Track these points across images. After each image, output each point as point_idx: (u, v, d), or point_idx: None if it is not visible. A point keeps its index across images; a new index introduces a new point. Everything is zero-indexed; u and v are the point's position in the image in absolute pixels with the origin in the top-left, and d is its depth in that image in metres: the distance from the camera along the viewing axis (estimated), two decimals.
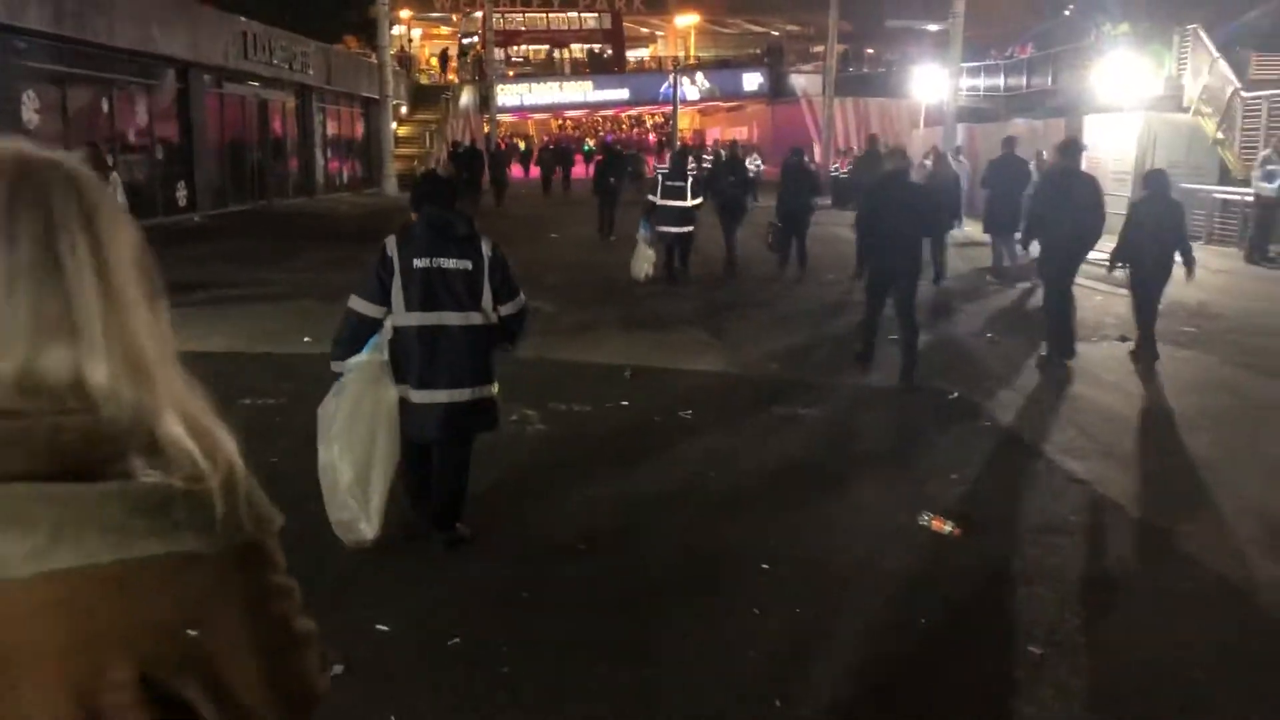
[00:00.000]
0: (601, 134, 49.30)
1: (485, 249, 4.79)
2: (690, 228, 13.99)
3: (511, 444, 6.64)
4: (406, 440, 4.79)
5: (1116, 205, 12.49)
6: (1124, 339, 10.32)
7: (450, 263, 4.71)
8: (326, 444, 4.62)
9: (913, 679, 3.92)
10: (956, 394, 8.22)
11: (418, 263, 4.69)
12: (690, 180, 13.94)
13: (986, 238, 15.50)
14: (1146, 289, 9.40)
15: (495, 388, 4.94)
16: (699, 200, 14.01)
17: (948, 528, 5.30)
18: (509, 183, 29.86)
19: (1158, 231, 9.21)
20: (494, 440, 6.38)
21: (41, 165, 1.00)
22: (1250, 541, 5.22)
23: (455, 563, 4.83)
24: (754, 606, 4.43)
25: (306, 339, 9.55)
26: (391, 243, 4.75)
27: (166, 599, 0.97)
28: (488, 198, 26.59)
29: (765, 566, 4.84)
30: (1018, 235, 12.60)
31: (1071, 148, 10.08)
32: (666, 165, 16.35)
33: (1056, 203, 9.51)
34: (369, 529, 4.70)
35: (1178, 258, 9.25)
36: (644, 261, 13.69)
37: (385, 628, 4.14)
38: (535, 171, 36.54)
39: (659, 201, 13.85)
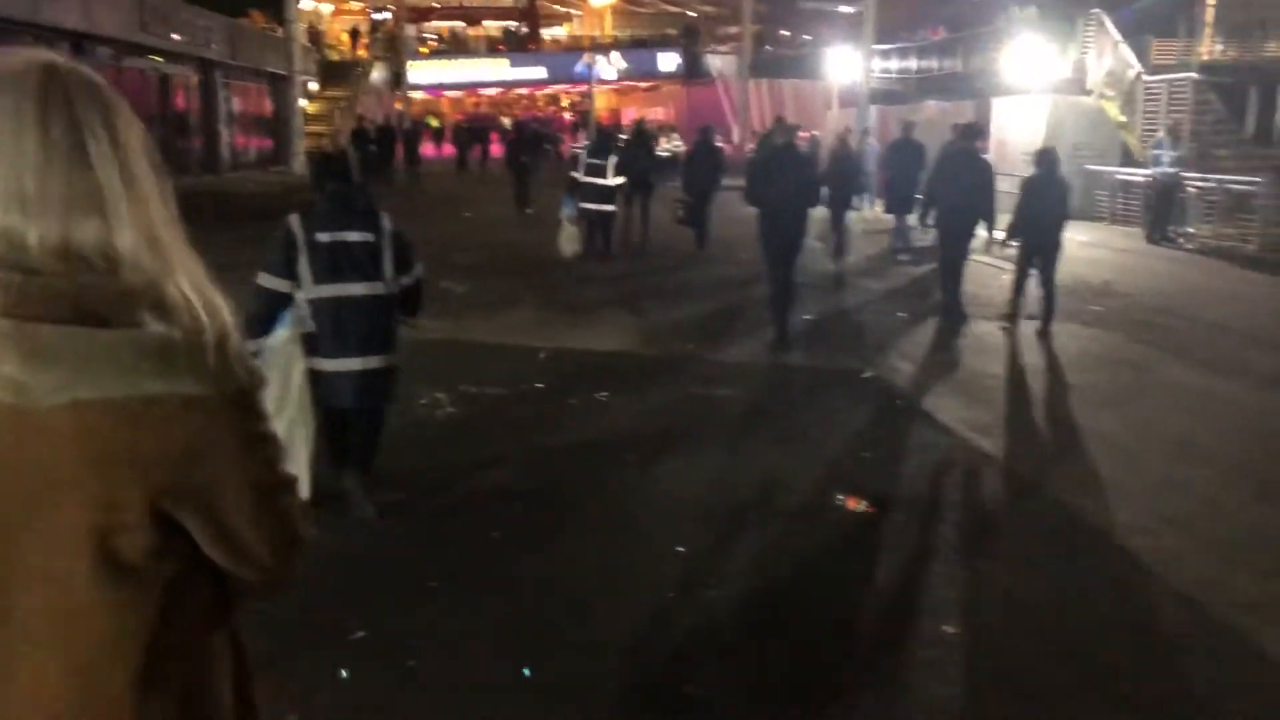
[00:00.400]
0: (517, 113, 48.68)
1: (385, 222, 4.99)
2: (612, 206, 14.21)
3: (420, 428, 6.47)
4: (324, 409, 4.88)
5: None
6: (1032, 318, 10.49)
7: (354, 235, 4.89)
8: None
9: (825, 661, 3.87)
10: (870, 373, 8.25)
11: (322, 237, 4.84)
12: (611, 159, 14.03)
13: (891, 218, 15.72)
14: (1035, 262, 9.90)
15: (398, 356, 5.11)
16: (621, 179, 14.12)
17: (861, 506, 5.29)
18: (422, 160, 29.33)
19: (1047, 207, 9.76)
20: (402, 423, 6.26)
21: (66, 69, 1.18)
22: (1162, 520, 5.29)
23: (360, 549, 4.66)
24: (668, 591, 4.35)
25: None
26: (295, 220, 4.89)
27: (171, 433, 1.15)
28: (402, 176, 26.10)
29: (680, 549, 4.77)
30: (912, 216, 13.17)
31: (969, 131, 10.43)
32: (585, 144, 16.29)
33: (950, 182, 10.07)
34: (300, 492, 4.55)
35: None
36: (569, 240, 13.76)
37: (286, 618, 3.97)
38: (450, 150, 35.96)
39: (582, 179, 13.98)
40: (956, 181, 10.10)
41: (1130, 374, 8.47)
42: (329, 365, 4.84)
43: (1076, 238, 17.04)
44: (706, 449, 6.26)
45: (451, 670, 3.71)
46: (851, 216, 15.27)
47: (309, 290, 4.81)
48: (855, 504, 5.31)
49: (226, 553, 1.31)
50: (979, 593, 4.44)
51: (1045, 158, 10.23)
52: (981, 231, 10.43)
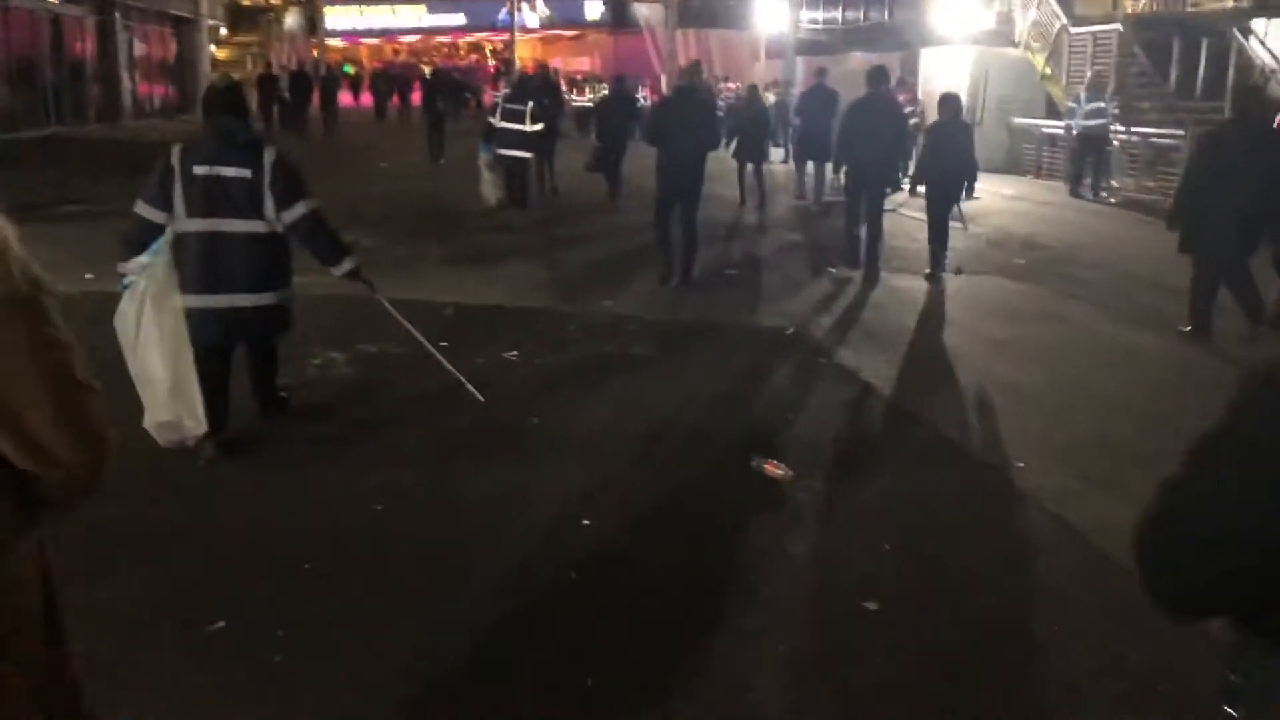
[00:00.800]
0: (437, 61, 47.43)
1: (267, 156, 4.88)
2: (529, 153, 14.01)
3: (311, 390, 6.01)
4: (199, 348, 4.72)
5: None
6: (959, 271, 10.28)
7: (230, 170, 4.81)
8: (132, 352, 4.57)
9: (740, 641, 3.54)
10: (792, 329, 7.94)
11: (198, 170, 4.79)
12: (529, 104, 13.72)
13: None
14: (939, 208, 9.87)
15: (284, 294, 5.06)
16: (539, 125, 13.85)
17: (780, 472, 4.97)
18: (339, 109, 28.30)
19: (950, 153, 9.76)
20: (293, 384, 5.80)
21: None
22: (1089, 480, 5.04)
23: (228, 522, 4.22)
24: (570, 570, 3.99)
25: (89, 275, 8.59)
26: (176, 150, 4.85)
27: None
28: (317, 125, 25.13)
29: (586, 523, 4.40)
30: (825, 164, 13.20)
31: (876, 75, 10.32)
32: (504, 92, 15.90)
33: (860, 129, 9.99)
34: (195, 426, 4.66)
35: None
36: (490, 186, 13.73)
37: (137, 606, 3.53)
38: (369, 99, 34.82)
39: (498, 124, 13.77)
40: (864, 130, 9.98)
41: (1054, 327, 8.26)
42: (194, 302, 4.72)
43: (1001, 190, 17.05)
44: (621, 412, 5.89)
45: (321, 668, 3.30)
46: (766, 168, 15.35)
47: (180, 223, 4.77)
48: (774, 469, 4.99)
49: (25, 452, 1.37)
50: (900, 565, 4.14)
51: (948, 104, 10.19)
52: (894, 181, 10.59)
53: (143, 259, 4.65)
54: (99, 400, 1.49)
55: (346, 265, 5.22)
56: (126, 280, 4.66)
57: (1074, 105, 16.71)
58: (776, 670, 3.38)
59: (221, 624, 3.50)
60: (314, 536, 4.19)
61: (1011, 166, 20.07)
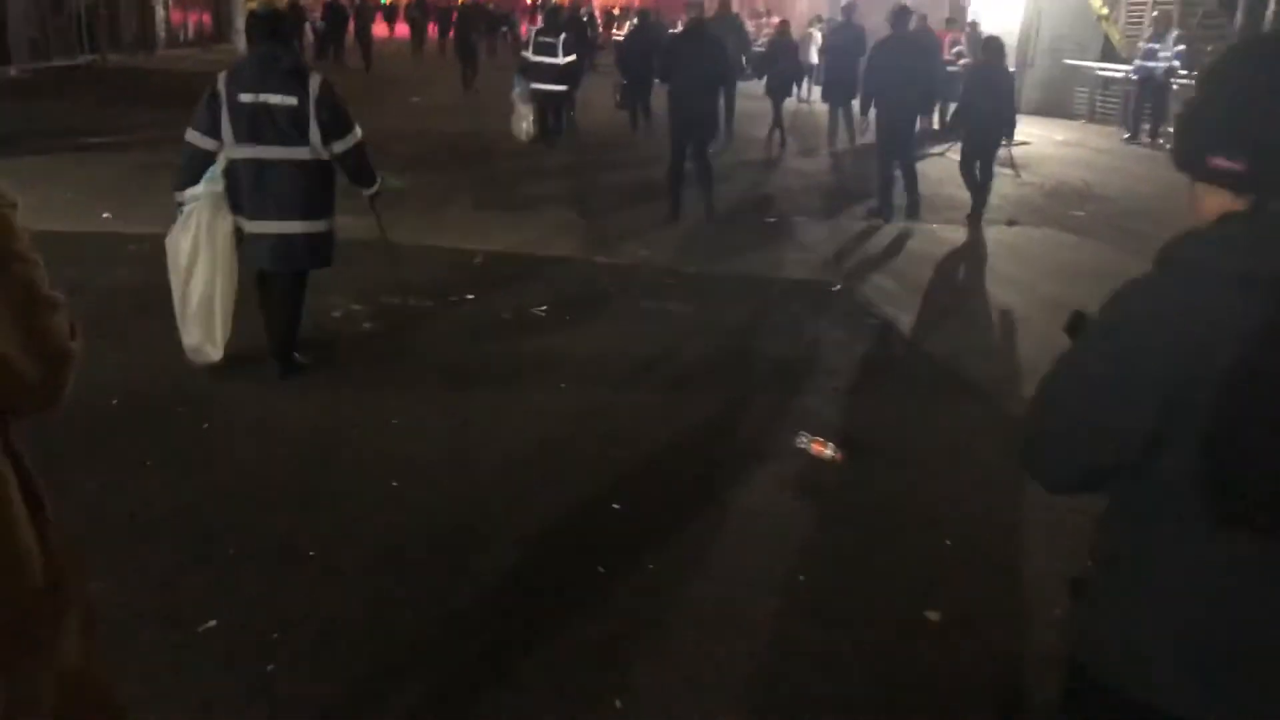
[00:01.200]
0: None
1: (312, 85, 4.85)
2: (564, 86, 13.73)
3: (329, 347, 5.67)
4: (247, 268, 5.05)
5: None
6: (1012, 223, 9.80)
7: (275, 98, 4.81)
8: (176, 274, 4.94)
9: (790, 653, 3.19)
10: (839, 286, 7.50)
11: (244, 97, 4.81)
12: (563, 37, 13.30)
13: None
14: (978, 153, 9.64)
15: (330, 223, 5.09)
16: (572, 57, 13.51)
17: (829, 452, 4.59)
18: (375, 40, 27.65)
19: (989, 99, 9.43)
20: (310, 341, 5.48)
21: None
22: None
23: (221, 499, 3.91)
24: (599, 565, 3.64)
25: (105, 215, 8.29)
26: (222, 77, 4.87)
27: None
28: (353, 57, 24.56)
29: (616, 507, 4.05)
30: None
31: (898, 17, 10.02)
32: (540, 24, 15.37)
33: (886, 70, 9.75)
34: (215, 352, 5.08)
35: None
36: (522, 120, 13.55)
37: (117, 608, 3.23)
38: (404, 30, 34.07)
39: (531, 58, 13.46)
40: (891, 71, 9.64)
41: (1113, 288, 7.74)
42: (248, 226, 4.93)
43: (1052, 136, 16.39)
44: (656, 378, 5.52)
45: (315, 676, 2.99)
46: (788, 105, 15.19)
47: (230, 150, 4.85)
48: (821, 449, 4.61)
49: None
50: (969, 569, 3.76)
51: (991, 48, 9.90)
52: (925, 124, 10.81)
53: (197, 189, 4.85)
54: (63, 314, 1.51)
55: (376, 186, 5.29)
56: (184, 208, 4.89)
57: (1154, 45, 15.89)
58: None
59: (213, 622, 3.19)
60: (312, 519, 3.87)
61: (1062, 110, 19.29)
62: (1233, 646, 1.41)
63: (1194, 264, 1.41)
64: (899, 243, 9.07)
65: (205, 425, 4.61)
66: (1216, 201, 1.44)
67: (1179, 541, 1.44)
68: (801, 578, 3.61)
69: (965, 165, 9.76)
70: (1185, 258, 1.43)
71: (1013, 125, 9.75)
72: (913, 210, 9.81)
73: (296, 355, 5.26)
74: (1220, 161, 1.41)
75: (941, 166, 12.07)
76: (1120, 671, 1.51)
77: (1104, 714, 1.55)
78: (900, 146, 9.87)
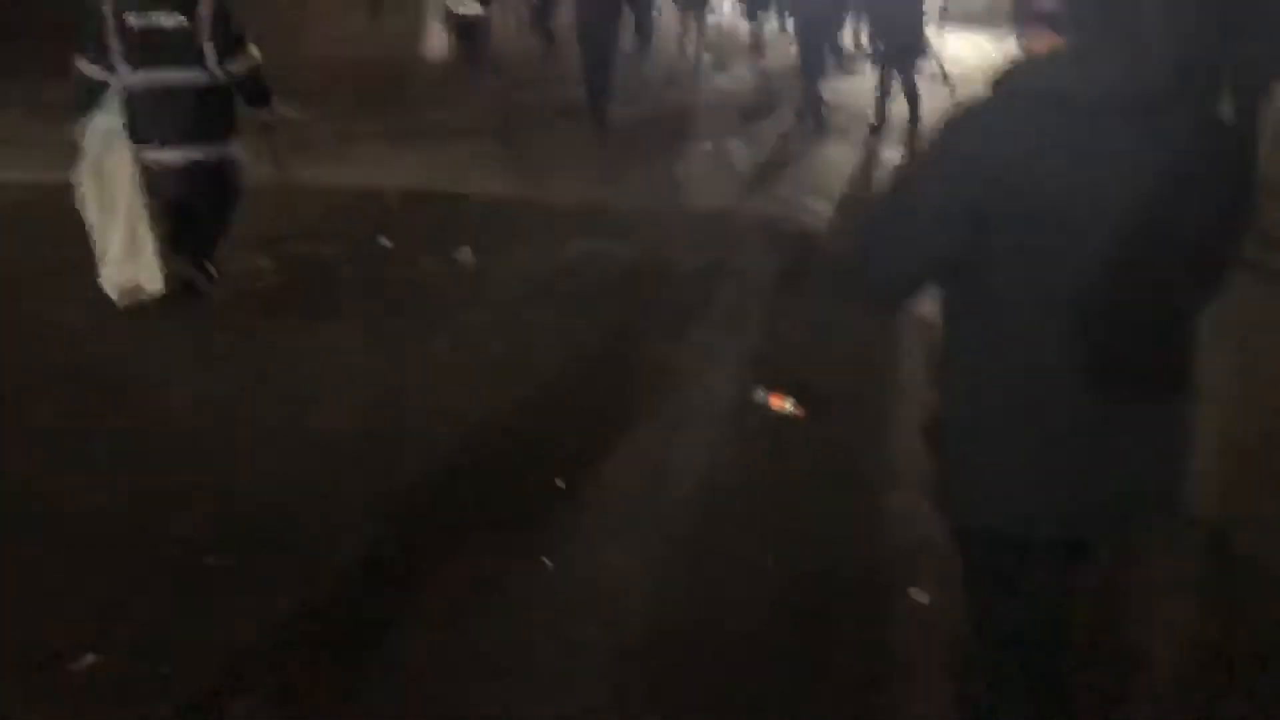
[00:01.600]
0: None
1: (203, 6, 4.63)
2: (479, 10, 12.72)
3: (232, 307, 5.10)
4: (157, 197, 4.81)
5: None
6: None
7: (166, 19, 4.59)
8: (94, 214, 4.75)
9: (753, 652, 2.80)
10: (788, 218, 7.06)
11: (133, 20, 4.57)
12: None
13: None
14: (892, 67, 9.65)
15: (238, 149, 4.95)
16: None
17: (788, 406, 4.19)
18: None
19: (901, 8, 9.47)
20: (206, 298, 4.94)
21: None
22: None
23: (102, 502, 3.39)
24: (544, 555, 3.21)
25: None
26: (107, 1, 4.57)
27: None
28: None
29: (560, 484, 3.61)
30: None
31: None
32: None
33: None
34: (153, 283, 4.83)
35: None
36: (434, 39, 13.25)
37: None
38: None
39: None
40: None
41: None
42: (151, 155, 4.71)
43: (986, 46, 15.93)
44: (591, 328, 5.06)
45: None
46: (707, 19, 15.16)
47: (125, 76, 4.63)
48: (780, 402, 4.21)
49: None
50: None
51: None
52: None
53: (96, 122, 4.62)
54: None
55: (273, 108, 5.13)
56: (86, 144, 4.66)
57: None
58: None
59: (91, 658, 2.69)
60: (219, 528, 3.38)
61: (997, 20, 18.89)
62: (1060, 460, 1.64)
63: (1019, 90, 1.62)
64: (826, 160, 8.73)
65: (87, 398, 4.07)
66: (1043, 42, 1.74)
67: (1000, 352, 1.65)
68: (770, 559, 3.22)
69: (882, 74, 9.78)
70: (1013, 84, 1.63)
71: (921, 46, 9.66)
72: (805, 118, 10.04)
73: (207, 265, 5.11)
74: (1043, 4, 1.75)
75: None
76: (990, 516, 1.76)
77: (997, 559, 1.83)
78: (812, 59, 10.05)
